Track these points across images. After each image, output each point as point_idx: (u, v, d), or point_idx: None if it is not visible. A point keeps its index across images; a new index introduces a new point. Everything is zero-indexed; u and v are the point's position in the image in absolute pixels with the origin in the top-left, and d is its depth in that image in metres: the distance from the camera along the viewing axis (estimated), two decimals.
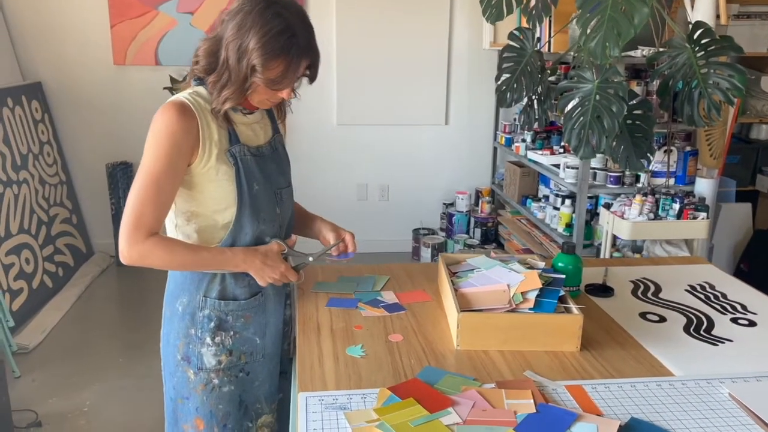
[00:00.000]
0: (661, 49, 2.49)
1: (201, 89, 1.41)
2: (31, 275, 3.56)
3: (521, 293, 1.43)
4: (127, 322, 3.63)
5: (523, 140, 3.97)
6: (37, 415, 2.64)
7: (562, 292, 1.46)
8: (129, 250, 1.34)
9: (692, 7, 3.19)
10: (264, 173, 1.46)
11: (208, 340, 1.46)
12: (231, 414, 1.50)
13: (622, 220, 2.92)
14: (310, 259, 1.52)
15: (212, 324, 1.46)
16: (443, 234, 4.50)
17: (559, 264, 1.62)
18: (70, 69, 4.18)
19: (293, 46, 1.30)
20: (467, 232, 4.45)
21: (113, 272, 4.24)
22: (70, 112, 4.25)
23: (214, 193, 1.41)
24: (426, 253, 4.32)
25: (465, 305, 1.43)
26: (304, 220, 1.69)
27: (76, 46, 4.15)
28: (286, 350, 1.63)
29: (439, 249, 4.28)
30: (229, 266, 1.42)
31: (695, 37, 2.25)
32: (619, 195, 3.20)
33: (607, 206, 3.14)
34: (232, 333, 1.48)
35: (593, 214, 3.42)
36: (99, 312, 3.72)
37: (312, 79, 1.41)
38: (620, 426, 1.11)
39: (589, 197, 3.35)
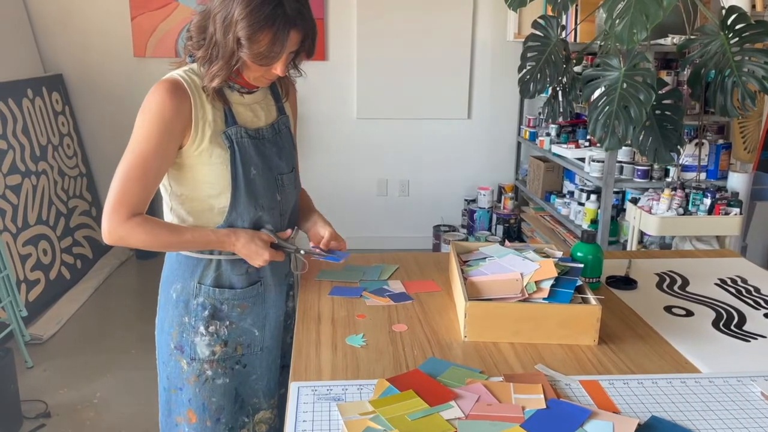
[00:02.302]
0: (692, 37, 2.38)
1: (197, 66, 1.33)
2: (48, 266, 3.56)
3: (535, 282, 1.34)
4: (143, 315, 3.60)
5: (548, 134, 3.86)
6: (47, 406, 2.61)
7: (579, 282, 1.36)
8: (110, 229, 1.28)
9: None
10: (263, 157, 1.37)
11: (202, 329, 1.39)
12: (225, 408, 1.42)
13: (650, 216, 2.79)
14: (302, 252, 1.42)
15: (206, 312, 1.39)
16: (464, 231, 4.40)
17: (578, 253, 1.52)
18: (91, 61, 4.18)
19: (279, 16, 1.19)
20: (489, 229, 4.34)
21: (132, 265, 4.23)
22: (90, 104, 4.26)
23: (208, 177, 1.33)
24: (447, 251, 4.22)
25: (474, 294, 1.34)
26: (306, 213, 1.58)
27: (97, 38, 4.15)
28: (289, 344, 1.54)
29: None
30: (214, 247, 1.35)
31: (729, 22, 2.13)
32: (646, 189, 3.07)
33: (634, 201, 3.01)
34: (227, 323, 1.40)
35: (619, 210, 3.29)
36: (115, 304, 3.70)
37: (309, 54, 1.31)
38: (639, 425, 1.01)
39: (616, 192, 3.22)
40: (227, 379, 1.42)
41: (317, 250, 1.46)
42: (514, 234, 4.28)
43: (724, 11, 2.17)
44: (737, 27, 2.12)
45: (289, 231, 1.43)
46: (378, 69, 4.27)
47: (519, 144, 4.48)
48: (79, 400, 2.68)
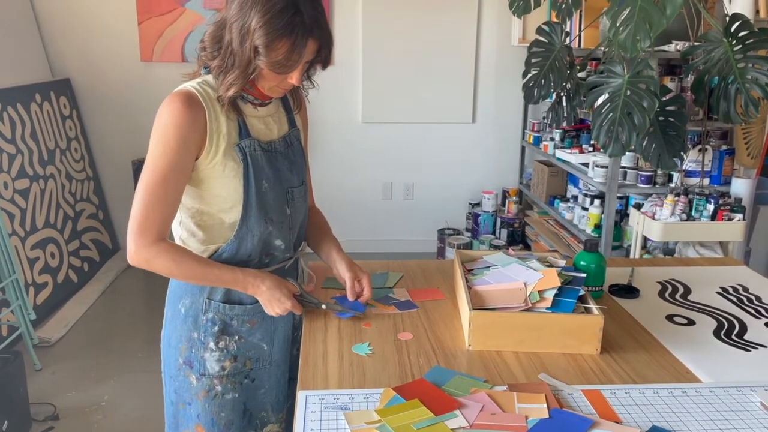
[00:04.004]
0: (696, 43, 2.39)
1: (210, 78, 1.32)
2: (56, 269, 3.59)
3: (538, 292, 1.36)
4: (149, 318, 3.63)
5: (552, 139, 3.87)
6: (55, 409, 2.64)
7: (582, 292, 1.38)
8: (136, 252, 1.27)
9: (729, 0, 3.07)
10: (275, 170, 1.37)
11: (212, 344, 1.39)
12: (234, 422, 1.42)
13: (653, 221, 2.81)
14: (324, 306, 1.44)
15: (216, 328, 1.39)
16: (469, 234, 4.42)
17: (581, 262, 1.54)
18: (98, 66, 4.22)
19: (297, 25, 1.19)
20: (493, 233, 4.36)
21: (138, 268, 4.25)
22: (97, 108, 4.29)
23: (220, 191, 1.33)
24: (451, 254, 4.24)
25: (478, 303, 1.36)
26: (321, 238, 1.57)
27: (104, 43, 4.19)
28: (295, 356, 1.53)
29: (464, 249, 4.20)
30: (237, 288, 1.35)
31: (732, 30, 2.15)
32: (650, 195, 3.09)
33: (638, 207, 3.02)
34: (237, 338, 1.41)
35: (623, 215, 3.31)
36: (122, 307, 3.73)
37: (324, 63, 1.31)
38: None
39: (619, 197, 3.24)
40: (236, 393, 1.42)
41: (338, 307, 1.46)
42: (518, 238, 4.30)
43: (727, 18, 2.18)
44: (741, 34, 2.14)
45: (311, 285, 1.44)
46: (383, 73, 4.30)
47: (523, 148, 4.49)
48: (87, 403, 2.71)
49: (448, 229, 4.40)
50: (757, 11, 3.19)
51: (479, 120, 4.47)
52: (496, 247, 4.19)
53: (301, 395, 1.14)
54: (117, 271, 4.08)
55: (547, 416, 1.07)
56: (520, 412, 1.09)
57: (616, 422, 1.07)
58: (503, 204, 4.46)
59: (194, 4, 4.10)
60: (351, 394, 1.14)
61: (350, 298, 1.46)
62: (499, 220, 4.35)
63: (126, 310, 3.71)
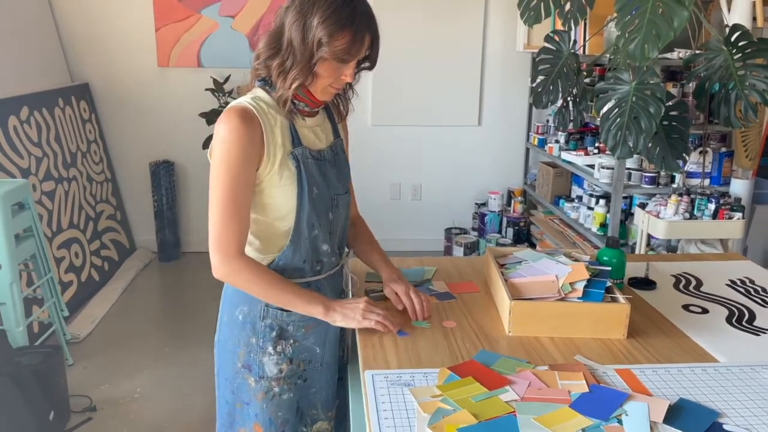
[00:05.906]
0: (697, 52, 2.54)
1: (261, 92, 1.41)
2: (79, 269, 3.71)
3: (570, 283, 1.51)
4: (171, 314, 3.76)
5: (557, 141, 4.02)
6: (91, 401, 2.76)
7: (608, 283, 1.53)
8: (219, 266, 1.37)
9: (728, 9, 3.23)
10: (324, 178, 1.45)
11: (270, 349, 1.47)
12: (289, 421, 1.50)
13: (658, 220, 2.97)
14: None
15: (274, 333, 1.46)
16: (475, 233, 4.57)
17: (604, 257, 1.69)
18: (116, 71, 4.34)
19: (357, 15, 1.32)
20: (499, 232, 4.51)
21: (155, 267, 4.38)
22: (115, 112, 4.41)
23: (277, 199, 1.41)
24: (458, 252, 4.39)
25: (516, 294, 1.51)
26: (369, 251, 1.74)
27: (122, 49, 4.30)
28: (340, 356, 1.62)
29: (471, 248, 4.35)
30: (312, 307, 1.42)
31: (732, 39, 2.30)
32: (653, 195, 3.24)
33: (642, 206, 3.18)
34: (292, 341, 1.48)
35: (627, 214, 3.47)
36: (144, 304, 3.85)
37: (372, 62, 1.42)
38: (670, 405, 1.18)
39: (623, 197, 3.39)
40: (291, 393, 1.50)
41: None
42: (523, 237, 4.45)
43: (727, 29, 2.34)
44: (740, 44, 2.29)
45: (355, 288, 1.55)
46: (392, 78, 4.43)
47: (528, 150, 4.65)
48: (121, 396, 2.84)
49: (455, 228, 4.55)
50: (754, 19, 3.36)
51: (485, 123, 4.62)
52: (503, 246, 4.34)
53: (367, 374, 1.28)
54: (135, 270, 4.20)
55: (587, 390, 1.22)
56: (563, 387, 1.23)
57: (648, 396, 1.22)
58: (509, 204, 4.61)
59: (210, 11, 4.23)
60: (411, 373, 1.29)
61: (413, 318, 1.53)
62: (505, 220, 4.50)
63: (147, 307, 3.84)
